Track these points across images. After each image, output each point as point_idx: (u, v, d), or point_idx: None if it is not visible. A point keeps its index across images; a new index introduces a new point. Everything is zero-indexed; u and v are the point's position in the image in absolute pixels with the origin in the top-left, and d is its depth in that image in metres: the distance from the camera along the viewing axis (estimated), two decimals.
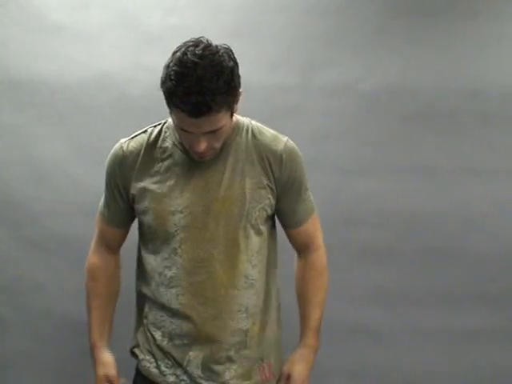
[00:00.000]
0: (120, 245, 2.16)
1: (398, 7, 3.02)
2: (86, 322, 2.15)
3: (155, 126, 2.02)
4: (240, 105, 2.88)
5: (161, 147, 1.97)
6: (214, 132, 1.81)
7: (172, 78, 1.72)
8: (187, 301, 1.96)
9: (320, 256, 2.14)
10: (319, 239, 2.14)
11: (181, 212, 1.93)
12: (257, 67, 3.01)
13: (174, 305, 1.97)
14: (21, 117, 2.97)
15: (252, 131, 1.99)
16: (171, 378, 2.01)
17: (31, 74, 2.98)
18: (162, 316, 2.01)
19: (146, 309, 2.05)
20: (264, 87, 3.01)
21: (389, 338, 3.06)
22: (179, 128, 1.81)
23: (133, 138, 2.01)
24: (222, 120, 1.79)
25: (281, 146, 1.98)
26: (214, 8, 3.01)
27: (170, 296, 1.98)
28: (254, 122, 2.03)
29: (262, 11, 3.01)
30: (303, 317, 2.13)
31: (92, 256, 2.14)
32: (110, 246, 2.14)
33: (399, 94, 3.03)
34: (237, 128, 1.98)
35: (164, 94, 1.77)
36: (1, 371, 2.99)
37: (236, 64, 1.80)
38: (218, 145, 1.87)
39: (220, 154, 1.94)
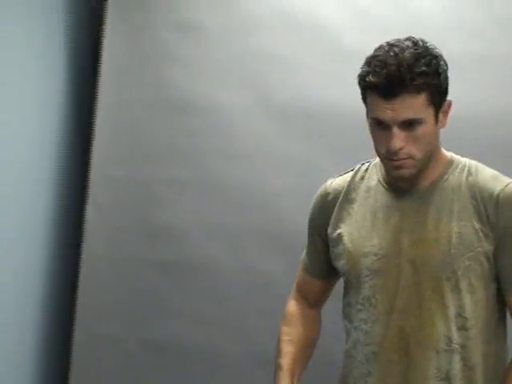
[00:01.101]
0: (319, 299, 1.99)
1: None
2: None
3: (363, 164, 1.89)
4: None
5: (365, 185, 1.83)
6: (410, 126, 1.62)
7: (366, 61, 1.66)
8: (381, 360, 1.73)
9: None
10: None
11: (375, 254, 1.74)
12: None
13: (368, 366, 1.75)
14: (308, 147, 2.89)
15: (468, 170, 1.75)
16: None
17: (323, 102, 2.89)
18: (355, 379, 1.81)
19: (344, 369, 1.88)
20: None
21: None
22: (374, 124, 1.67)
23: (340, 176, 1.91)
24: (421, 109, 1.61)
25: (499, 187, 1.69)
26: None
27: (365, 354, 1.76)
28: (474, 162, 1.78)
29: None
30: None
31: (289, 301, 2.01)
32: (308, 297, 1.99)
33: None
34: (449, 165, 1.77)
35: (359, 84, 1.68)
36: None
37: (445, 61, 1.68)
38: (416, 151, 1.65)
39: (425, 193, 1.74)
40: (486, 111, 2.73)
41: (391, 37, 2.81)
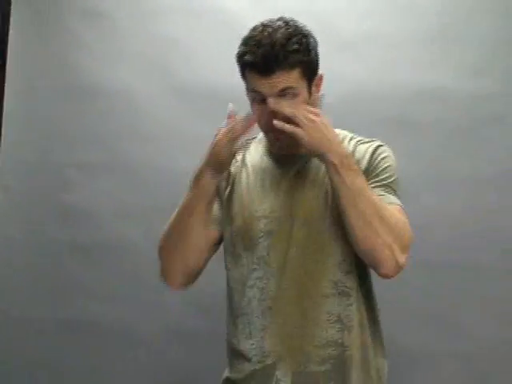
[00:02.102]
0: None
1: None
2: None
3: (248, 139, 2.02)
4: (436, 111, 2.77)
5: (251, 156, 1.96)
6: (286, 98, 1.74)
7: (243, 42, 1.78)
8: (276, 313, 1.84)
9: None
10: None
11: (266, 217, 1.86)
12: (458, 73, 2.86)
13: (264, 320, 1.85)
14: (215, 128, 2.93)
15: (343, 138, 1.93)
16: None
17: (227, 85, 2.91)
18: (246, 335, 1.89)
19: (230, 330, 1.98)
20: (466, 94, 2.84)
21: None
22: (253, 99, 1.79)
23: None
24: (295, 82, 1.74)
25: (372, 145, 1.91)
26: (411, 11, 2.88)
27: (261, 309, 1.86)
28: (351, 134, 1.97)
29: (462, 12, 2.86)
30: None
31: None
32: None
33: None
34: None
35: (238, 63, 1.80)
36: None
37: (314, 39, 1.81)
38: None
39: (304, 160, 1.89)
40: (375, 86, 2.88)
41: None
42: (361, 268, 1.87)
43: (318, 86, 1.86)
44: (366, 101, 2.85)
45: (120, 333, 2.96)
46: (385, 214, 1.72)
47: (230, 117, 1.84)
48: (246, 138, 1.85)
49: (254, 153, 1.97)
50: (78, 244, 2.99)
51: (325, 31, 2.88)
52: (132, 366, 2.96)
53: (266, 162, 1.93)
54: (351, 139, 1.94)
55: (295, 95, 1.76)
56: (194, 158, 2.95)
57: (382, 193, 1.82)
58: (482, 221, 2.77)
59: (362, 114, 2.84)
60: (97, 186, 3.01)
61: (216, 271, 2.87)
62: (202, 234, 1.89)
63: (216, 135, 1.83)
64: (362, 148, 1.89)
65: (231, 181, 1.96)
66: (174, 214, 1.91)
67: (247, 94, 1.83)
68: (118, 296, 2.97)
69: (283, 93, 1.74)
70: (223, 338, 2.90)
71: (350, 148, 1.89)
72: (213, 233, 1.95)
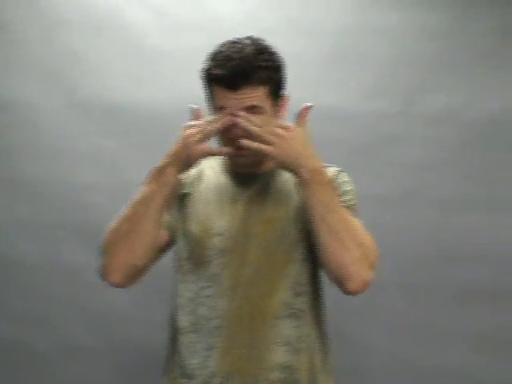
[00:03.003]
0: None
1: (506, 30, 2.90)
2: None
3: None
4: (336, 131, 2.84)
5: (208, 174, 1.94)
6: (252, 113, 1.74)
7: (210, 57, 1.76)
8: (225, 332, 1.81)
9: None
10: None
11: (221, 235, 1.84)
12: (357, 93, 2.93)
13: (211, 339, 1.82)
14: (116, 142, 2.96)
15: None
16: None
17: (128, 100, 2.97)
18: (193, 355, 1.85)
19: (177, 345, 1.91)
20: (364, 114, 2.92)
21: None
22: (218, 114, 1.76)
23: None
24: (261, 99, 1.74)
25: (334, 169, 1.91)
26: (312, 31, 2.95)
27: (209, 328, 1.82)
28: None
29: (363, 34, 2.94)
30: None
31: None
32: None
33: (505, 124, 2.90)
34: None
35: (204, 78, 1.78)
36: None
37: (282, 59, 1.82)
38: None
39: (265, 178, 1.89)
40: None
41: (193, 38, 2.96)
42: (314, 290, 1.87)
43: (283, 106, 1.84)
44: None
45: (14, 351, 2.91)
46: (354, 230, 1.71)
47: (196, 114, 1.80)
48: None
49: (211, 170, 1.95)
50: None
51: None
52: (32, 383, 2.89)
53: (225, 178, 1.91)
54: None
55: (261, 114, 1.75)
56: (93, 173, 2.95)
57: None
58: (377, 238, 2.85)
59: None
60: None
61: (111, 288, 2.88)
62: (155, 231, 1.79)
63: (185, 129, 1.77)
64: None
65: (187, 196, 1.92)
66: (126, 208, 1.80)
67: (212, 111, 1.80)
68: (12, 313, 2.92)
69: (250, 111, 1.73)
70: (119, 353, 2.90)
71: None
72: (164, 235, 1.90)
